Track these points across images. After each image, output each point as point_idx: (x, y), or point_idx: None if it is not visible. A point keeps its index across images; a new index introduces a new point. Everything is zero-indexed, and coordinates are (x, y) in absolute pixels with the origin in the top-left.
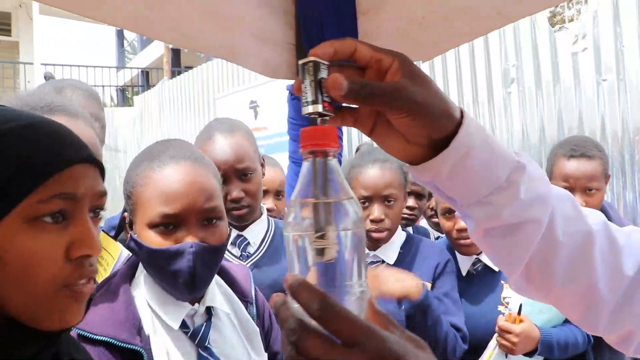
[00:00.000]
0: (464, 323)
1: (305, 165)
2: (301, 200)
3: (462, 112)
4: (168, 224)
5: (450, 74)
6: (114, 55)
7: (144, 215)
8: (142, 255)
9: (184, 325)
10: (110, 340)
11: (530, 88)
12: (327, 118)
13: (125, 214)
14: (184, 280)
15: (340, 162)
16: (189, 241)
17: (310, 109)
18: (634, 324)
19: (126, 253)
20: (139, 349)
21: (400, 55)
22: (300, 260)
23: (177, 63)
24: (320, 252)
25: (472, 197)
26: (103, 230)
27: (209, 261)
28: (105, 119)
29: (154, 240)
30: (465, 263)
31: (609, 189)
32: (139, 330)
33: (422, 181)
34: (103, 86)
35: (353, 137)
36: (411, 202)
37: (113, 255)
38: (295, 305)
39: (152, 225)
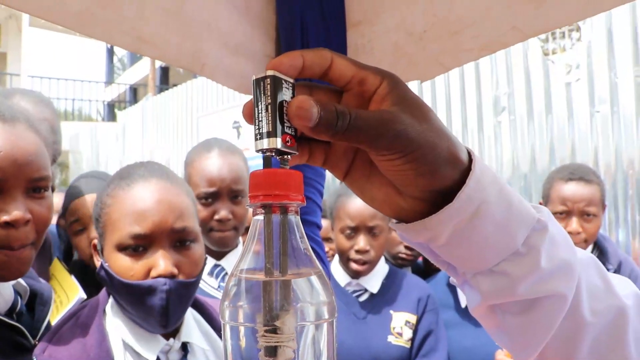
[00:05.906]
0: None
1: (255, 224)
2: (246, 276)
3: (469, 154)
4: (138, 246)
5: (439, 99)
6: (104, 70)
7: (113, 236)
8: (112, 286)
9: None
10: None
11: (522, 117)
12: (289, 157)
13: (95, 240)
14: (157, 317)
15: (321, 194)
16: (161, 278)
17: (264, 143)
18: None
19: (83, 297)
20: None
21: (390, 76)
22: None
23: (165, 80)
24: (272, 351)
25: (478, 265)
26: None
27: (183, 296)
28: (58, 125)
29: (123, 264)
30: None
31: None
32: None
33: (413, 243)
34: (90, 100)
35: None
36: None
37: (69, 295)
38: None
39: (122, 248)
